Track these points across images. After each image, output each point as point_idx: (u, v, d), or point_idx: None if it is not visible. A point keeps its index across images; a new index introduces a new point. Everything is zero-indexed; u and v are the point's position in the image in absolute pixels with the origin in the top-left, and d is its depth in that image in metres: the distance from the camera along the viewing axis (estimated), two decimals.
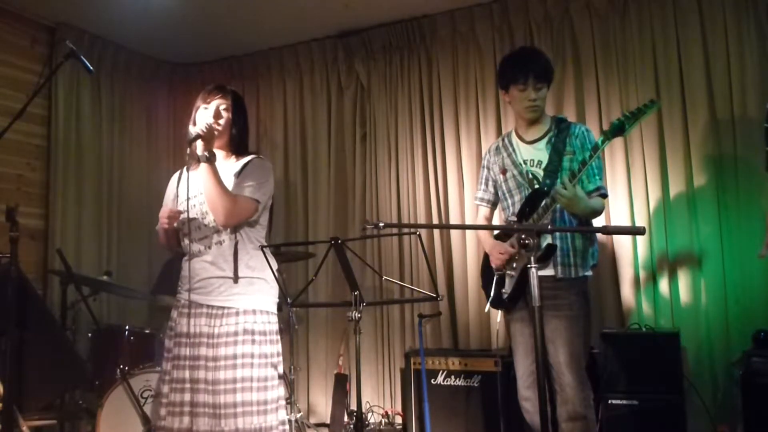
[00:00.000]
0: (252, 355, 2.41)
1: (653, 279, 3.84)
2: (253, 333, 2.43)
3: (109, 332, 3.79)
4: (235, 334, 2.41)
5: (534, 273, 2.06)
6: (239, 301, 2.45)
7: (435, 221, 4.47)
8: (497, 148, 3.02)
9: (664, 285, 3.80)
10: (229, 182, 2.49)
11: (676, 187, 3.84)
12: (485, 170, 3.07)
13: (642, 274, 3.87)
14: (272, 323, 2.53)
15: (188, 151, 2.40)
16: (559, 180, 2.70)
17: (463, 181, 4.40)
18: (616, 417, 3.24)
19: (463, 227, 4.66)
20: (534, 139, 2.89)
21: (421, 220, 4.51)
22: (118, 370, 3.38)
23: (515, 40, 4.33)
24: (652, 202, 3.87)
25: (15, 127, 2.56)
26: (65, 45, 2.60)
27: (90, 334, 3.81)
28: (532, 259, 2.06)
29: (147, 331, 3.81)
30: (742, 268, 3.65)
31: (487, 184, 3.07)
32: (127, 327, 3.75)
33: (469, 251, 4.31)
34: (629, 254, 3.88)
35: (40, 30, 4.54)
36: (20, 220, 2.47)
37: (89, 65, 2.57)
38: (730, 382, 3.54)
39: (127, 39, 4.92)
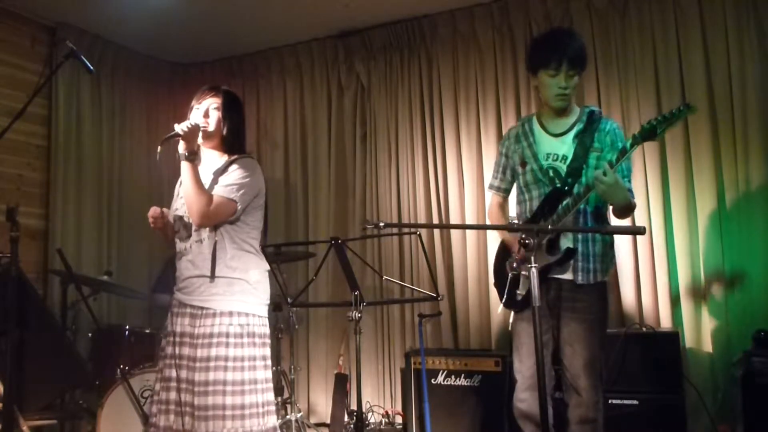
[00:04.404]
0: (225, 358, 2.37)
1: (653, 279, 3.84)
2: (227, 336, 2.40)
3: (109, 332, 3.80)
4: (210, 336, 2.39)
5: (534, 272, 2.06)
6: (216, 302, 2.43)
7: (435, 221, 4.47)
8: (517, 135, 2.78)
9: (664, 285, 3.80)
10: (208, 180, 2.47)
11: (676, 187, 3.84)
12: (503, 158, 2.84)
13: (642, 274, 3.87)
14: (252, 325, 2.47)
15: (159, 149, 2.34)
16: (583, 179, 2.53)
17: (463, 181, 4.40)
18: (616, 417, 3.23)
19: (463, 227, 4.65)
20: (559, 132, 2.69)
21: (421, 220, 4.51)
22: (118, 370, 3.38)
23: (515, 40, 4.34)
24: (652, 201, 3.87)
25: (15, 127, 2.57)
26: (65, 45, 2.60)
27: (90, 334, 3.82)
28: (533, 258, 2.06)
29: (147, 331, 3.81)
30: (742, 268, 3.65)
31: (504, 173, 2.85)
32: (127, 327, 3.75)
33: (469, 251, 4.31)
34: (629, 254, 3.89)
35: (40, 30, 4.54)
36: (20, 220, 2.47)
37: (89, 65, 2.57)
38: (730, 382, 3.54)
39: (128, 39, 4.92)
